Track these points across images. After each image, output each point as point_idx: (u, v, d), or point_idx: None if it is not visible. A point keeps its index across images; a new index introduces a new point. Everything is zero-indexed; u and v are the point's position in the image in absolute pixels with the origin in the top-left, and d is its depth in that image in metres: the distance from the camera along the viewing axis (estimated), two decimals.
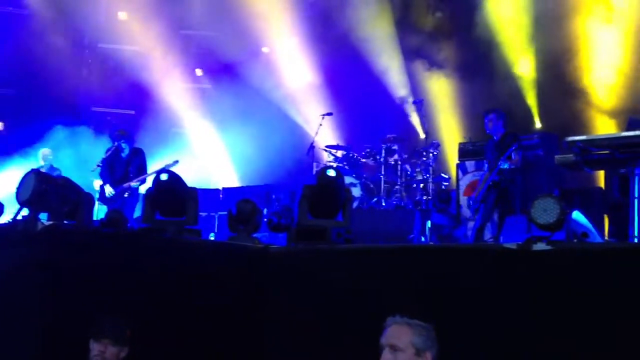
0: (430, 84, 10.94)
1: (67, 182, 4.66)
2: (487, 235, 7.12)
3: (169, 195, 4.42)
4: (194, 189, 4.53)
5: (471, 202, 6.94)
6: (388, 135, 9.05)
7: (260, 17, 11.61)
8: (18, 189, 4.16)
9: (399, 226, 6.43)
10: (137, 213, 7.25)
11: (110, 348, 3.29)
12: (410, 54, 11.22)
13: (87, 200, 4.67)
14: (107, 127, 10.04)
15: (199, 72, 12.41)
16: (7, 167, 9.69)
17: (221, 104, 11.86)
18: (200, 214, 4.95)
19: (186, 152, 10.75)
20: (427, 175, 8.28)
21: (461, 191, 7.72)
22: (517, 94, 10.35)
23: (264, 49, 12.30)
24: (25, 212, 4.18)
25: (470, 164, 7.73)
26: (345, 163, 8.79)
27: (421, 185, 8.31)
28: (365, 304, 3.50)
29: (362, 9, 11.42)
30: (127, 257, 3.90)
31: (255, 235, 4.46)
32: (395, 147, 8.86)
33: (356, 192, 8.13)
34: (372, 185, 8.55)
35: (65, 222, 4.32)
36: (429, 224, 7.12)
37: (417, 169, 8.49)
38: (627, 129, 4.94)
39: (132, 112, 11.65)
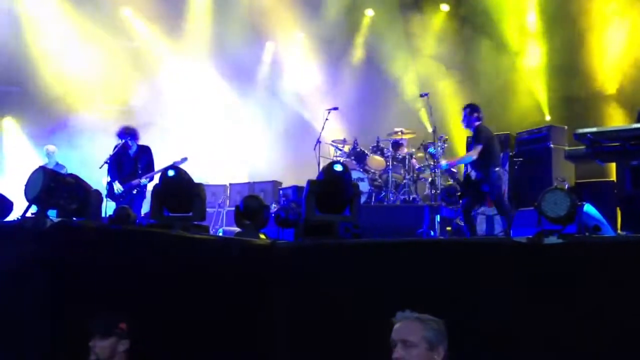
0: (437, 77, 10.89)
1: (76, 179, 4.66)
2: (498, 229, 7.07)
3: (176, 192, 4.42)
4: (200, 185, 4.53)
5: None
6: (395, 129, 9.02)
7: (264, 11, 11.61)
8: (26, 186, 4.17)
9: (407, 221, 6.39)
10: (145, 210, 7.27)
11: (99, 342, 3.27)
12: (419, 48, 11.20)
13: (95, 197, 4.68)
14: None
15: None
16: None
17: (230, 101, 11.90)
18: (208, 210, 4.95)
19: (195, 149, 10.76)
20: (435, 169, 8.23)
21: None
22: (525, 87, 10.29)
23: (270, 45, 12.31)
24: (34, 209, 4.19)
25: None
26: (352, 157, 8.76)
27: (429, 179, 8.26)
28: (373, 299, 3.48)
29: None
30: (135, 254, 3.90)
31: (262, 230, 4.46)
32: (403, 141, 8.82)
33: (364, 186, 8.10)
34: (379, 180, 8.52)
35: (74, 219, 4.34)
36: (437, 218, 7.08)
37: (425, 163, 8.45)
38: (638, 121, 4.88)
39: None
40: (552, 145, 7.19)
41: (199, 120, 11.66)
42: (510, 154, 7.45)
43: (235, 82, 12.01)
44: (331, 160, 7.26)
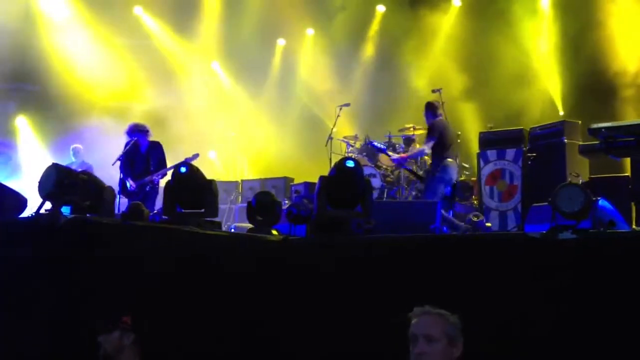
0: (449, 73, 10.82)
1: (89, 175, 4.70)
2: (511, 225, 7.02)
3: (188, 188, 4.44)
4: (212, 181, 4.55)
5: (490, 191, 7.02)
6: (407, 125, 8.97)
7: (275, 9, 11.62)
8: (40, 183, 4.21)
9: (420, 216, 6.35)
10: (158, 206, 7.30)
11: (105, 337, 3.33)
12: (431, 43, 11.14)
13: (108, 193, 4.71)
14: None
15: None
16: None
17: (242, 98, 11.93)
18: (220, 206, 4.96)
19: (206, 146, 10.81)
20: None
21: (483, 180, 7.60)
22: (539, 82, 10.19)
23: (281, 42, 12.31)
24: (48, 205, 4.23)
25: (491, 153, 7.58)
26: (364, 154, 8.73)
27: None
28: (387, 294, 3.48)
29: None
30: (147, 250, 3.92)
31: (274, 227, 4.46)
32: (414, 137, 8.78)
33: (376, 182, 8.08)
34: (392, 176, 8.49)
35: (87, 215, 4.37)
36: (451, 214, 7.04)
37: None
38: None
39: None
40: (566, 140, 7.10)
41: (211, 117, 11.70)
42: (524, 149, 7.37)
43: (246, 79, 12.04)
44: (343, 156, 7.24)
